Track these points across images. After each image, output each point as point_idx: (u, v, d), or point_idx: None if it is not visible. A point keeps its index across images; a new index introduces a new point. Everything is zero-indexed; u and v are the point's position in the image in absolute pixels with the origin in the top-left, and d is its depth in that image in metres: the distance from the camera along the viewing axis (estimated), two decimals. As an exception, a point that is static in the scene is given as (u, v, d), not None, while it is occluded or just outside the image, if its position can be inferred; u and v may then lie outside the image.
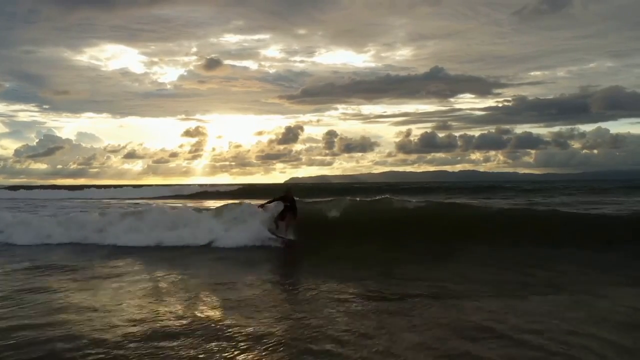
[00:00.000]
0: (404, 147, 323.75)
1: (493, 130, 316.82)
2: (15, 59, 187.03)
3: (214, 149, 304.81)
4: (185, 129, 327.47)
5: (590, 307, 6.06)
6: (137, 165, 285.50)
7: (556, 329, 5.14)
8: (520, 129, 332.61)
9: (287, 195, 12.53)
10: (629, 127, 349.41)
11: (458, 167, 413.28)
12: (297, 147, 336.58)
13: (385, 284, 7.48)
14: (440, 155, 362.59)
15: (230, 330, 5.13)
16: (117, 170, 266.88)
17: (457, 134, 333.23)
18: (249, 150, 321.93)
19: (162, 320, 5.49)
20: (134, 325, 5.29)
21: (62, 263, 9.74)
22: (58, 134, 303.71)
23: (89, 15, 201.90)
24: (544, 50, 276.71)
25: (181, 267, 9.33)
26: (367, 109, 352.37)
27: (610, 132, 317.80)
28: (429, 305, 6.15)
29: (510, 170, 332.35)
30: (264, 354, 4.44)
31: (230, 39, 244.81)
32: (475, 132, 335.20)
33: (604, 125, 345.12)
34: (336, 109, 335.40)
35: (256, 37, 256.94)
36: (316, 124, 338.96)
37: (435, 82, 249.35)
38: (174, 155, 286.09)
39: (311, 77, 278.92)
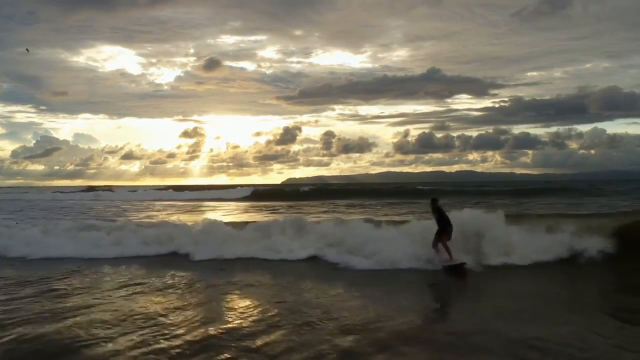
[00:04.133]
0: (401, 147, 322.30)
1: (490, 131, 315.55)
2: (13, 61, 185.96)
3: (211, 150, 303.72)
4: (183, 129, 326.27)
5: None
6: (135, 166, 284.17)
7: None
8: (517, 129, 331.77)
9: (433, 207, 10.63)
10: (626, 127, 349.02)
11: (455, 168, 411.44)
12: (295, 147, 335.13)
13: None
14: (437, 155, 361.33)
15: None
16: (115, 171, 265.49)
17: (454, 134, 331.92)
18: (246, 151, 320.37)
19: None
20: None
21: None
22: (55, 135, 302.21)
23: (87, 17, 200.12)
24: (540, 51, 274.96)
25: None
26: (365, 109, 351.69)
27: (607, 132, 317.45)
28: None
29: (508, 170, 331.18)
30: None
31: (227, 40, 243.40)
32: (473, 133, 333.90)
33: (600, 125, 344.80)
34: (333, 109, 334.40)
35: (253, 38, 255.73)
36: (314, 124, 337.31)
37: (432, 83, 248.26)
38: (171, 156, 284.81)
39: (308, 78, 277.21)
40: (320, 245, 11.99)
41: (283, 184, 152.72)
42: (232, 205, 40.52)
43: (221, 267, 11.03)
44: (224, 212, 30.31)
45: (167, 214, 28.58)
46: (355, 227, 12.62)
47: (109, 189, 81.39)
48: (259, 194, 56.19)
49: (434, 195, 11.20)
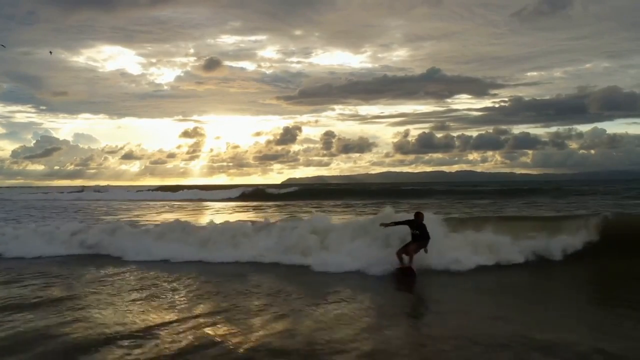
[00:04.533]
0: (401, 147, 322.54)
1: (490, 131, 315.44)
2: (13, 61, 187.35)
3: (211, 150, 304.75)
4: (183, 129, 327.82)
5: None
6: (135, 166, 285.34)
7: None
8: (517, 129, 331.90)
9: (416, 220, 10.12)
10: (626, 127, 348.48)
11: (455, 168, 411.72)
12: (295, 147, 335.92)
13: None
14: (437, 155, 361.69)
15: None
16: (115, 171, 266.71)
17: (454, 134, 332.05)
18: (246, 151, 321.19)
19: None
20: None
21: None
22: (55, 135, 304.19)
23: (87, 17, 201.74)
24: (540, 51, 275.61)
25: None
26: (365, 109, 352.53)
27: (607, 132, 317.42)
28: None
29: (508, 170, 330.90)
30: None
31: (227, 40, 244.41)
32: (473, 133, 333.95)
33: (600, 125, 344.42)
34: (333, 109, 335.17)
35: (253, 38, 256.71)
36: (314, 124, 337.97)
37: (432, 83, 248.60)
38: (171, 156, 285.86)
39: (308, 78, 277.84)
40: (260, 249, 11.71)
41: (282, 184, 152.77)
42: (220, 205, 40.44)
43: (152, 267, 10.82)
44: (209, 213, 30.19)
45: (156, 213, 28.48)
46: (302, 227, 12.30)
47: (97, 189, 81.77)
48: (250, 195, 56.06)
49: (419, 210, 10.69)
